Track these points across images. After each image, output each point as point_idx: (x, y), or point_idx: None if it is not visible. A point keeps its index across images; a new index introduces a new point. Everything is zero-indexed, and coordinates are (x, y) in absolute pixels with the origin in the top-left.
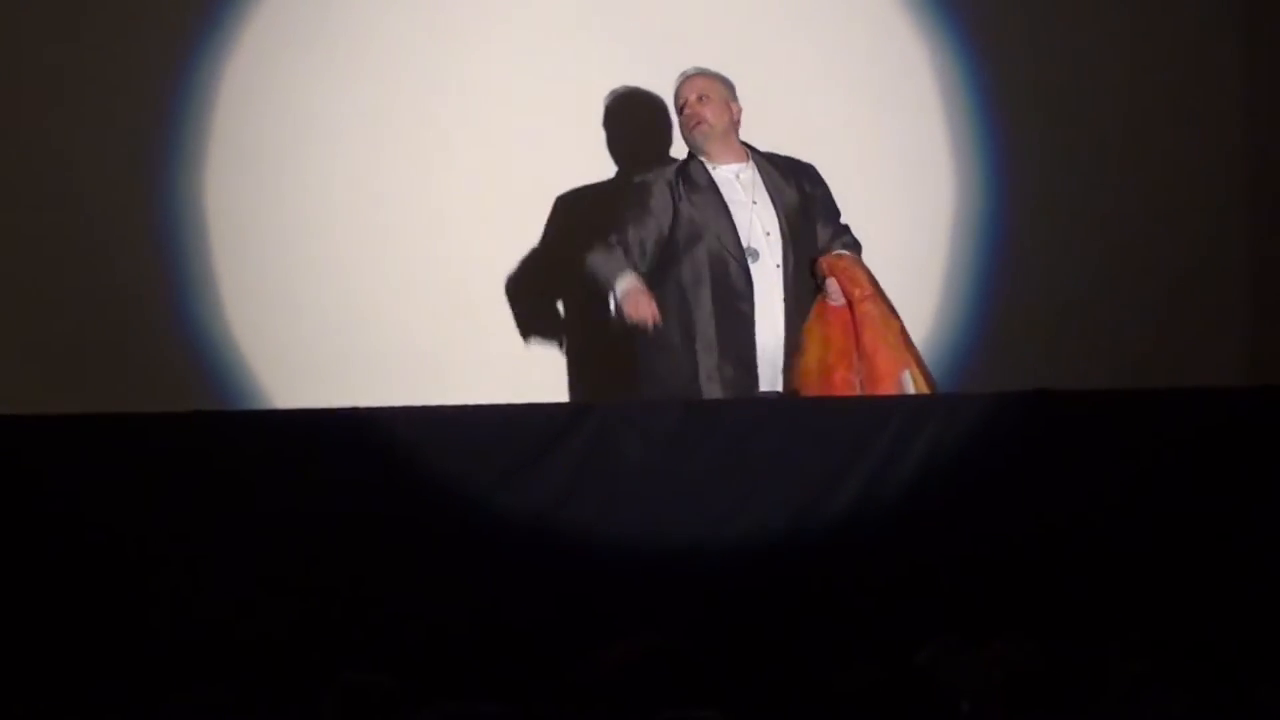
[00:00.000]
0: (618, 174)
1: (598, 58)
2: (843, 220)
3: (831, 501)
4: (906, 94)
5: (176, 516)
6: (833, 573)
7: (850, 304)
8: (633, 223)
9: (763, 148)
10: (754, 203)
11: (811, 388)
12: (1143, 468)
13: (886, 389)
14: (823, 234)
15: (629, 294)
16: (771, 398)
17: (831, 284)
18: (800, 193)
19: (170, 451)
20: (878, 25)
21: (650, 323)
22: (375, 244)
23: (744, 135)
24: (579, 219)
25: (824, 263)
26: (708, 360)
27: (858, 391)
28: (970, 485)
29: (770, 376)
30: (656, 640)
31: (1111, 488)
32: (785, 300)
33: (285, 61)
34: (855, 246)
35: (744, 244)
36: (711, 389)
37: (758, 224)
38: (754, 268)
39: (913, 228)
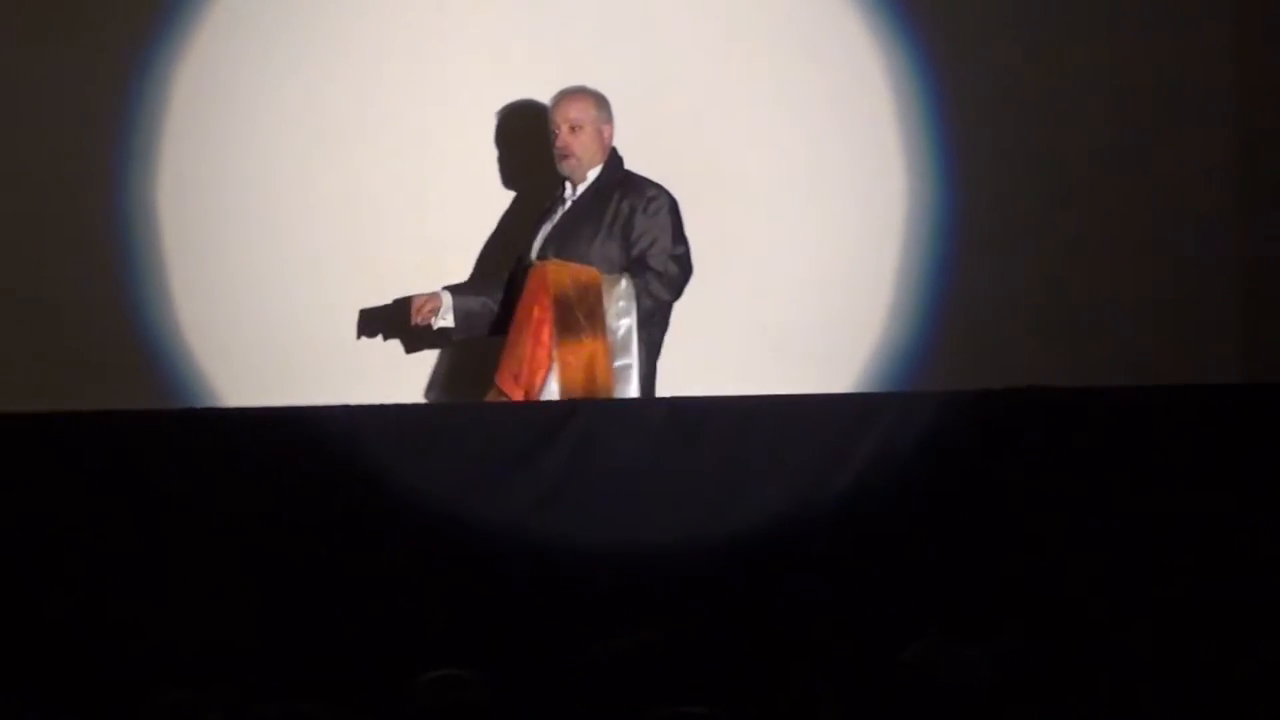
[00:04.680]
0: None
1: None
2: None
3: (820, 499)
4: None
5: (163, 516)
6: (822, 569)
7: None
8: None
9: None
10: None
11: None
12: (1135, 464)
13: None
14: (619, 253)
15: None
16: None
17: None
18: (616, 215)
19: (155, 450)
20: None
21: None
22: (327, 245)
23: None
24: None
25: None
26: None
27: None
28: (962, 481)
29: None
30: (646, 637)
31: (1103, 484)
32: None
33: (238, 62)
34: (665, 277)
35: (533, 253)
36: None
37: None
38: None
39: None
